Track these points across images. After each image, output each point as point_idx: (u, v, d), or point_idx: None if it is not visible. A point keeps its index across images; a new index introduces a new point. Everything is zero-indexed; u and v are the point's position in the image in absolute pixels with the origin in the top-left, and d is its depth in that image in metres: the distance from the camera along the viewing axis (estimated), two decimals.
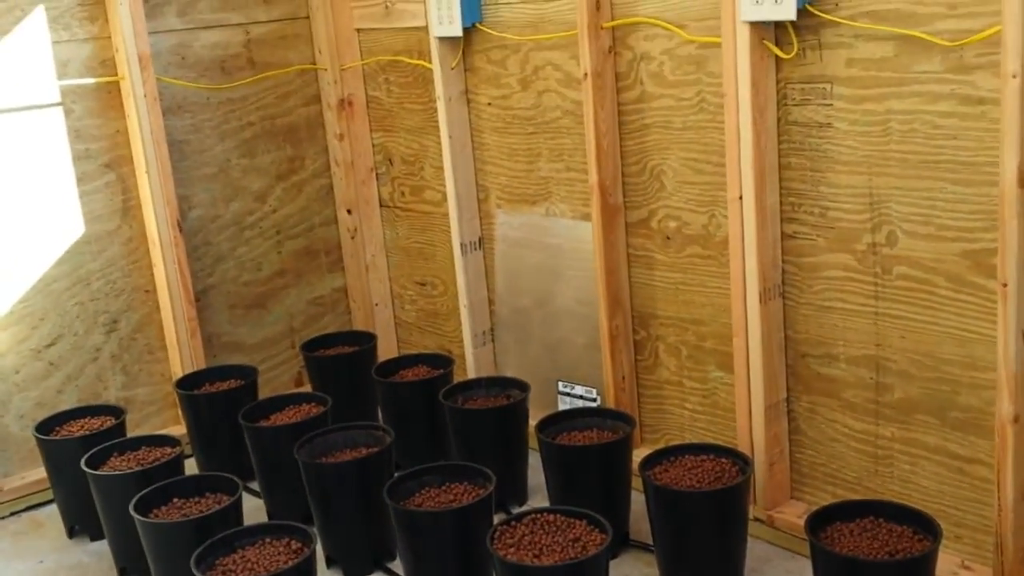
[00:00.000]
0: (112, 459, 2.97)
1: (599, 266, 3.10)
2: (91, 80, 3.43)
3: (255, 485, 3.22)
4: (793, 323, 2.75)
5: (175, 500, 2.71)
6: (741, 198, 2.66)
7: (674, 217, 2.97)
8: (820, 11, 2.47)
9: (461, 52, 3.42)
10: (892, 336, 2.55)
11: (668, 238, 3.01)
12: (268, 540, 2.45)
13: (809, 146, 2.61)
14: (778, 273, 2.73)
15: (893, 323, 2.54)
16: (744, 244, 2.69)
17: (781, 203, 2.69)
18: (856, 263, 2.58)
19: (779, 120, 2.65)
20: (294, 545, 2.42)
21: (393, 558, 2.90)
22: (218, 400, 3.38)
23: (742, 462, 2.64)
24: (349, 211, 4.04)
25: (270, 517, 3.12)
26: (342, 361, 3.68)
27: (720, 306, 2.91)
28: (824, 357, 2.71)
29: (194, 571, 2.28)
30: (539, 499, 3.16)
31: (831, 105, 2.54)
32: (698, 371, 3.04)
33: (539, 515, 2.45)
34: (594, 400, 3.34)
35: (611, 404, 3.17)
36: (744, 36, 2.54)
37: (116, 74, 3.45)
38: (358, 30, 3.86)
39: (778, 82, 2.62)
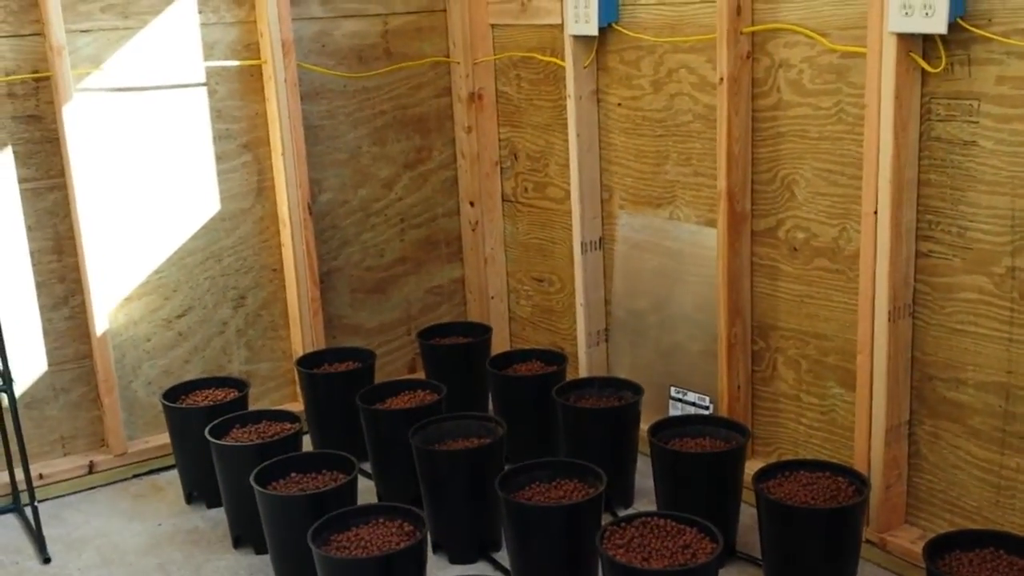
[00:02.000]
0: (234, 430, 3.06)
1: (721, 273, 3.07)
2: (235, 63, 3.55)
3: (367, 466, 3.29)
4: (921, 344, 2.68)
5: (293, 474, 2.78)
6: (876, 213, 2.60)
7: (803, 228, 2.92)
8: (972, 26, 2.40)
9: (595, 51, 3.42)
10: None
11: (795, 249, 2.96)
12: (382, 520, 2.50)
13: (951, 163, 2.54)
14: (910, 292, 2.66)
15: None
16: (876, 260, 2.63)
17: (918, 220, 2.63)
18: (993, 286, 2.51)
19: (921, 135, 2.58)
20: (406, 528, 2.47)
21: (498, 549, 2.93)
22: (336, 380, 3.46)
23: (859, 482, 2.59)
24: (472, 203, 4.09)
25: (380, 499, 3.18)
26: (457, 351, 3.72)
27: (845, 322, 2.86)
28: (951, 381, 2.63)
29: (311, 545, 2.34)
30: (645, 503, 3.15)
31: (977, 123, 2.47)
32: (817, 386, 2.99)
33: (650, 519, 2.45)
34: (707, 408, 3.31)
35: (724, 413, 3.14)
36: (891, 47, 2.49)
37: (259, 58, 3.56)
38: (492, 25, 3.90)
39: (923, 96, 2.55)
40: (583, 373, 3.65)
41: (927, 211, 2.61)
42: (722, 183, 3.01)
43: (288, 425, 3.08)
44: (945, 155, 2.55)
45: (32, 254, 3.29)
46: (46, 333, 3.35)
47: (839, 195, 2.81)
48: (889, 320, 2.64)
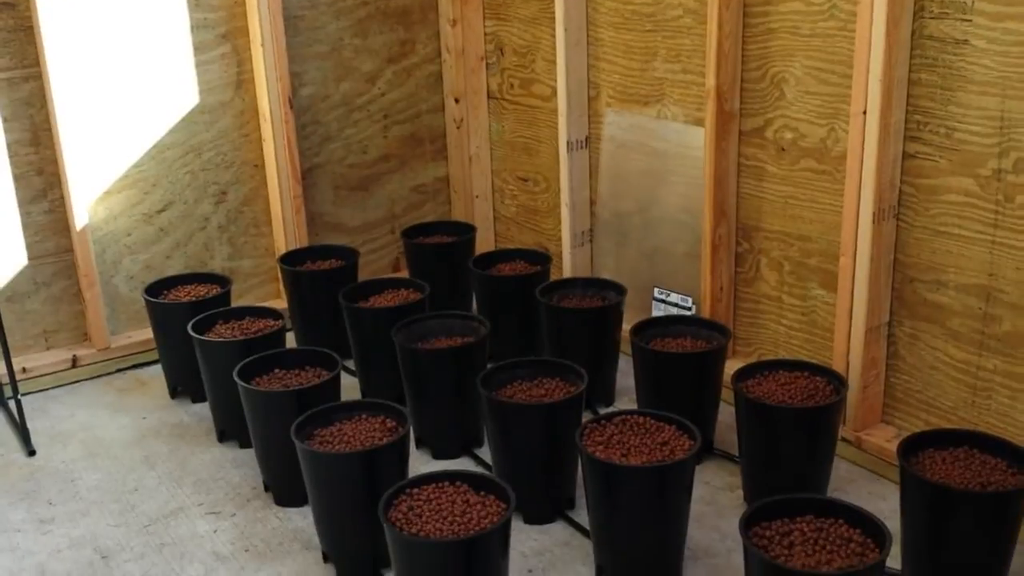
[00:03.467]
0: (217, 326, 3.06)
1: (708, 174, 3.05)
2: None
3: (350, 364, 3.30)
4: (904, 246, 2.68)
5: (276, 371, 2.79)
6: (865, 112, 2.57)
7: (791, 128, 2.89)
8: None
9: None
10: (1007, 267, 2.47)
11: (782, 149, 2.93)
12: (364, 416, 2.51)
13: (942, 63, 2.50)
14: (895, 193, 2.65)
15: (1010, 253, 2.46)
16: (863, 161, 2.61)
17: (906, 121, 2.60)
18: (978, 188, 2.49)
19: (913, 33, 2.54)
20: (389, 424, 2.48)
21: (480, 445, 2.97)
22: (319, 278, 3.44)
23: (837, 382, 2.61)
24: (457, 100, 4.02)
25: (363, 396, 3.20)
26: (441, 250, 3.71)
27: (830, 223, 2.85)
28: (933, 283, 2.64)
29: (294, 439, 2.35)
30: (625, 402, 3.19)
31: (970, 21, 2.42)
32: (799, 288, 2.99)
33: (629, 416, 2.47)
34: (689, 309, 3.33)
35: (706, 314, 3.15)
36: None
37: None
38: None
39: None
40: (567, 274, 3.65)
41: (916, 111, 2.58)
42: (711, 81, 2.97)
43: (272, 322, 3.08)
44: (937, 54, 2.51)
45: (9, 146, 3.23)
46: (25, 226, 3.32)
47: (829, 94, 2.77)
48: (873, 222, 2.63)
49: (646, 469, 2.25)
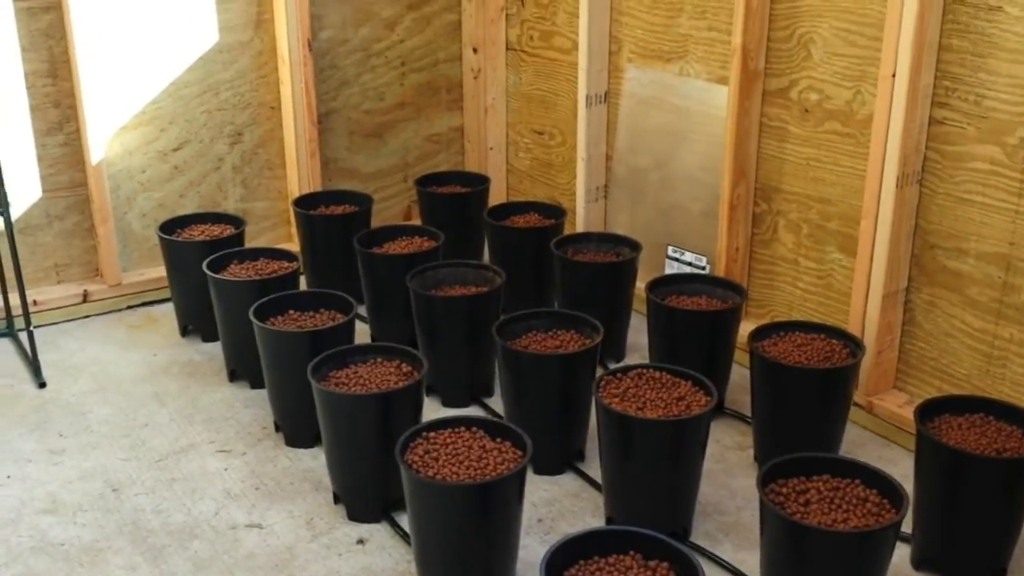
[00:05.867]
0: (232, 266, 3.05)
1: (730, 133, 3.03)
2: None
3: (361, 310, 3.30)
4: (926, 212, 2.67)
5: (291, 312, 2.78)
6: (894, 75, 2.55)
7: (816, 89, 2.87)
8: None
9: None
10: None
11: (806, 111, 2.91)
12: (379, 360, 2.51)
13: (975, 29, 2.48)
14: (920, 159, 2.64)
15: None
16: (889, 124, 2.59)
17: (934, 86, 2.58)
18: (1004, 157, 2.48)
19: None
20: (404, 368, 2.48)
21: (490, 395, 2.97)
22: (334, 223, 3.43)
23: (853, 345, 2.62)
24: (475, 50, 3.99)
25: (373, 341, 3.20)
26: (456, 200, 3.69)
27: (851, 187, 2.84)
28: (953, 251, 2.64)
29: (310, 379, 2.35)
30: (635, 359, 3.19)
31: None
32: (816, 250, 2.99)
33: (645, 370, 2.47)
34: (703, 268, 3.32)
35: (721, 274, 3.15)
36: None
37: None
38: None
39: None
40: (580, 228, 3.64)
41: (945, 77, 2.56)
42: (737, 39, 2.94)
43: (286, 263, 3.07)
44: (969, 20, 2.49)
45: (26, 76, 3.20)
46: (40, 159, 3.29)
47: (857, 56, 2.75)
48: (897, 186, 2.62)
49: (663, 422, 2.25)
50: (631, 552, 1.87)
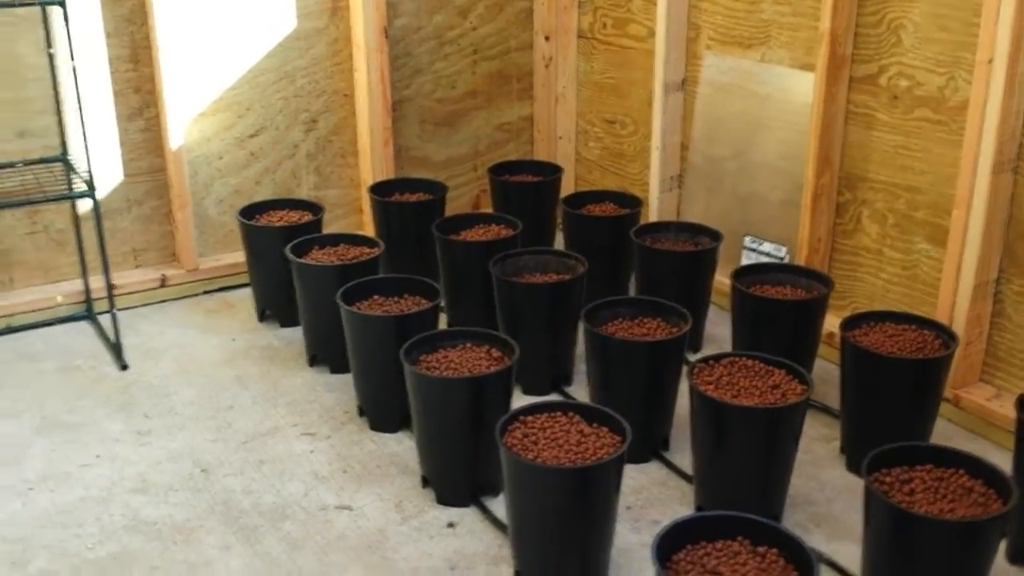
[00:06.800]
0: (314, 251, 3.06)
1: (815, 120, 2.99)
2: None
3: None
4: (1021, 201, 2.62)
5: (376, 297, 2.78)
6: (991, 61, 2.51)
7: (907, 76, 2.83)
8: None
9: None
10: None
11: (895, 97, 2.87)
12: (469, 345, 2.51)
13: None
14: (1015, 146, 2.59)
15: None
16: (985, 111, 2.55)
17: None
18: None
19: None
20: (494, 353, 2.47)
21: (569, 383, 2.96)
22: (409, 210, 3.43)
23: (946, 336, 2.57)
24: (547, 38, 3.97)
25: (451, 327, 3.19)
26: (528, 189, 3.68)
27: (941, 175, 2.79)
28: None
29: (404, 361, 2.35)
30: (712, 349, 3.16)
31: None
32: (902, 241, 2.94)
33: (738, 358, 2.44)
34: (782, 258, 3.28)
35: (802, 264, 3.11)
36: None
37: None
38: None
39: None
40: (653, 218, 3.61)
41: None
42: (825, 24, 2.90)
43: (367, 249, 3.07)
44: None
45: (110, 61, 3.23)
46: (122, 143, 3.32)
47: (950, 41, 2.70)
48: (992, 174, 2.57)
49: (759, 410, 2.23)
50: (739, 538, 1.85)
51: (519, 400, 2.86)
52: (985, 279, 2.70)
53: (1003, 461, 2.41)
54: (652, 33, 3.56)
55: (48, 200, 2.89)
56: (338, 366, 2.95)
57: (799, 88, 3.13)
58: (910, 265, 2.95)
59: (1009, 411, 2.33)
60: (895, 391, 2.49)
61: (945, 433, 2.74)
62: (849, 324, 2.62)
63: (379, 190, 3.52)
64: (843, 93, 2.98)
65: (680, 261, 3.09)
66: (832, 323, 2.88)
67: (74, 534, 2.32)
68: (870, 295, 3.08)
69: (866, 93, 2.95)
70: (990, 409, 2.70)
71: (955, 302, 2.72)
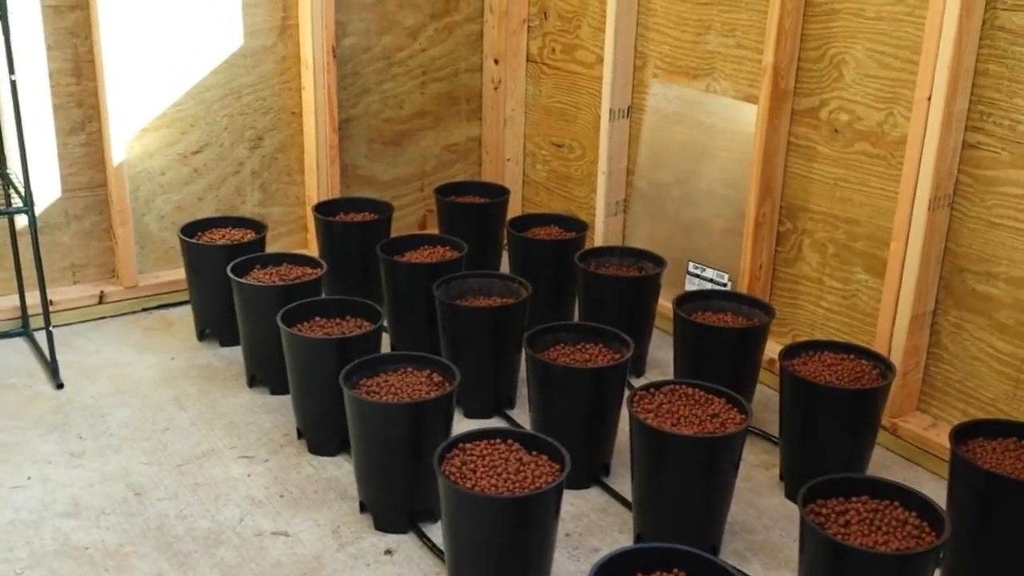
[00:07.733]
0: (256, 270, 3.03)
1: (758, 150, 3.03)
2: None
3: None
4: (957, 236, 2.68)
5: (317, 318, 2.76)
6: (930, 99, 2.56)
7: (847, 110, 2.88)
8: None
9: None
10: None
11: (836, 131, 2.92)
12: (410, 369, 2.49)
13: (1011, 55, 2.49)
14: (952, 182, 2.64)
15: None
16: (923, 147, 2.60)
17: (969, 110, 2.59)
18: None
19: (984, 23, 2.52)
20: (435, 378, 2.46)
21: (512, 407, 2.96)
22: (354, 230, 3.41)
23: (883, 366, 2.61)
24: (496, 61, 3.99)
25: (393, 350, 3.18)
26: (474, 210, 3.68)
27: (880, 208, 2.84)
28: (983, 275, 2.64)
29: (343, 386, 2.33)
30: (656, 375, 3.18)
31: None
32: (842, 271, 2.99)
33: (678, 386, 2.46)
34: (724, 285, 3.32)
35: (744, 291, 3.14)
36: None
37: None
38: None
39: None
40: (599, 242, 3.63)
41: (980, 101, 2.57)
42: (768, 57, 2.94)
43: (310, 269, 3.05)
44: (1007, 45, 2.49)
45: (50, 75, 3.18)
46: (61, 158, 3.27)
47: (890, 78, 2.75)
48: (929, 209, 2.63)
49: (699, 439, 2.24)
50: (675, 570, 1.85)
51: (460, 424, 2.86)
52: (922, 311, 2.74)
53: (939, 489, 2.46)
54: (600, 60, 3.59)
55: None
56: (278, 387, 2.92)
57: (743, 119, 3.17)
58: (849, 295, 2.99)
59: (944, 440, 2.37)
60: (833, 420, 2.52)
61: (883, 461, 2.78)
62: (788, 353, 2.65)
63: (324, 209, 3.50)
64: (785, 125, 3.03)
65: (624, 286, 3.10)
66: (773, 350, 2.91)
67: (2, 559, 2.27)
68: (810, 323, 3.12)
69: (807, 126, 2.99)
70: (927, 438, 2.75)
71: (893, 332, 2.77)
